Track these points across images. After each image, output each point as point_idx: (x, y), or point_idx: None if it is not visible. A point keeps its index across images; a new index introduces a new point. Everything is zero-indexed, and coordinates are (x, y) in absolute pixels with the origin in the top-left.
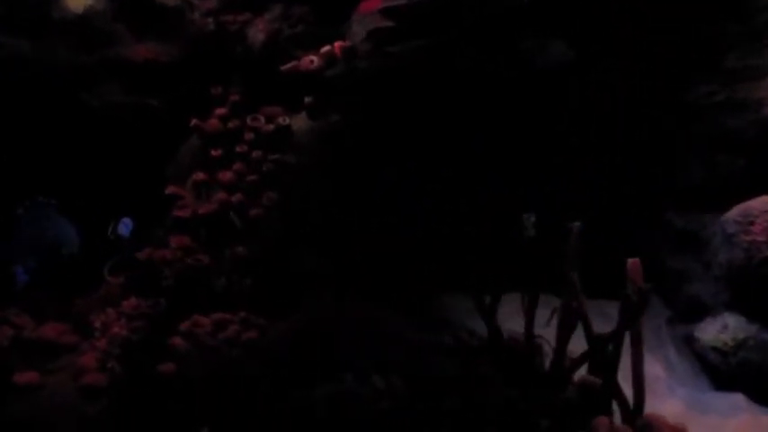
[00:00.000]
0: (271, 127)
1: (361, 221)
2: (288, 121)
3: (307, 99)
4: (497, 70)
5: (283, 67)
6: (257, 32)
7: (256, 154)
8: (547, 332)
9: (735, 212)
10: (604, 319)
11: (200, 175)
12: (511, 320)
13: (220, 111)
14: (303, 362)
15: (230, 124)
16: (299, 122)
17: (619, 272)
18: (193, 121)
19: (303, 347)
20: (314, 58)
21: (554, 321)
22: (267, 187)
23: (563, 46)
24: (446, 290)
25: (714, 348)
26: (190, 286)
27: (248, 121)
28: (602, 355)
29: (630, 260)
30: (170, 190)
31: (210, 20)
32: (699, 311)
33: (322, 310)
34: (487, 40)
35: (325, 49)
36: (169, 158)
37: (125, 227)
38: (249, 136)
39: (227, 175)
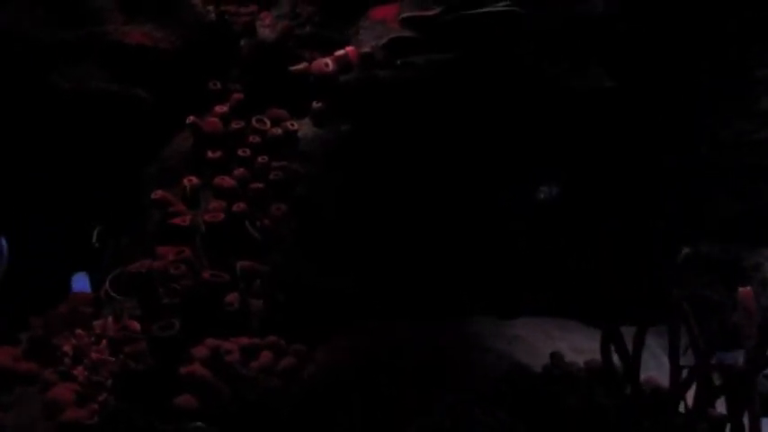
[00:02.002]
0: (279, 131)
1: (377, 239)
2: (296, 126)
3: (315, 104)
4: (529, 90)
5: (293, 68)
6: (264, 28)
7: (262, 159)
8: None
9: None
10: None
11: (192, 180)
12: (546, 344)
13: (221, 109)
14: (373, 393)
15: (233, 125)
16: (304, 129)
17: (643, 299)
18: (191, 118)
19: (368, 377)
20: (328, 61)
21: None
22: (275, 197)
23: (601, 71)
24: (462, 311)
25: (766, 376)
26: (201, 306)
27: (254, 122)
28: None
29: (742, 290)
30: (158, 195)
31: (212, 8)
32: (729, 339)
33: (374, 334)
34: (520, 58)
35: (340, 53)
36: (148, 159)
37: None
38: (254, 139)
39: (227, 181)
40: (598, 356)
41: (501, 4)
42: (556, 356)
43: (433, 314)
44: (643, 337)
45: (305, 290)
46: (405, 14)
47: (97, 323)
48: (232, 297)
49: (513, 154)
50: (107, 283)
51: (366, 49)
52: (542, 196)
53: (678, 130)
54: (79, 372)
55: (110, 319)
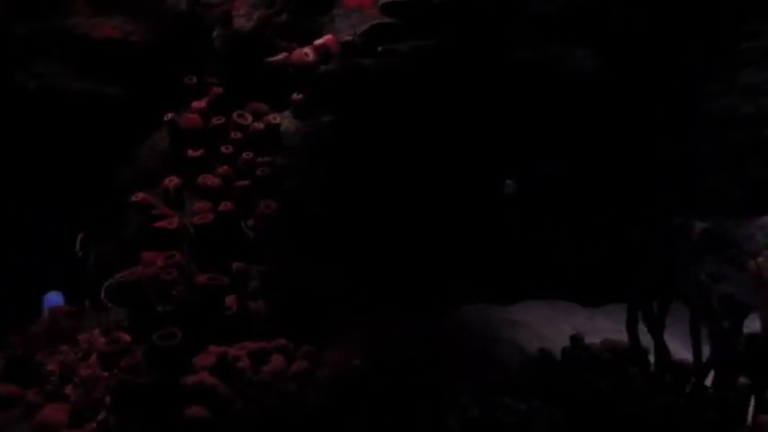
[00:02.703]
0: (261, 126)
1: (368, 232)
2: (278, 119)
3: (295, 96)
4: (517, 75)
5: (272, 59)
6: (239, 18)
7: (247, 156)
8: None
9: None
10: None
11: (173, 180)
12: (550, 327)
13: (199, 104)
14: (396, 391)
15: (214, 120)
16: (285, 122)
17: (634, 276)
18: (169, 115)
19: (383, 376)
20: (308, 50)
21: None
22: (262, 194)
23: (587, 54)
24: (459, 300)
25: None
26: (199, 312)
27: (235, 117)
28: None
29: (753, 261)
30: (139, 197)
31: None
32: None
33: (381, 331)
34: (507, 43)
35: (319, 42)
36: (123, 160)
37: None
38: (236, 135)
39: (212, 180)
40: (601, 336)
41: None
42: (576, 339)
43: (430, 305)
44: (664, 317)
45: (304, 288)
46: (385, 0)
47: (82, 337)
48: (230, 300)
49: (504, 143)
50: (103, 293)
51: (347, 37)
52: (508, 191)
53: (671, 115)
54: (70, 391)
55: (96, 332)
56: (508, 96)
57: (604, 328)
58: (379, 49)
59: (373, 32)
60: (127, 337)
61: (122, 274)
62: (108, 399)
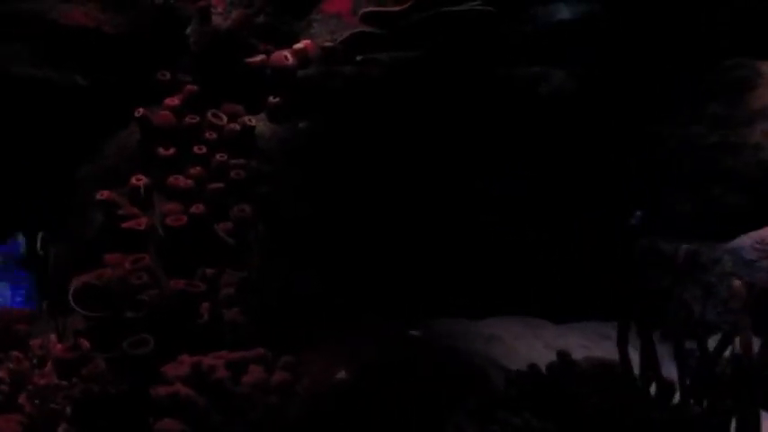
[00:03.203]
0: (236, 127)
1: (342, 241)
2: (254, 122)
3: (271, 99)
4: (497, 93)
5: (250, 60)
6: (216, 15)
7: (221, 157)
8: None
9: (748, 241)
10: (611, 342)
11: (142, 179)
12: (522, 342)
13: (172, 101)
14: (382, 404)
15: (188, 119)
16: (259, 125)
17: (603, 294)
18: (140, 111)
19: (373, 387)
20: (287, 54)
21: None
22: (236, 198)
23: (563, 75)
24: (426, 312)
25: None
26: (171, 319)
27: (209, 117)
28: None
29: (736, 282)
30: (104, 195)
31: None
32: (700, 330)
33: (359, 341)
34: (488, 61)
35: (299, 46)
36: (83, 156)
37: None
38: (211, 135)
39: (183, 182)
40: (573, 352)
41: (476, 2)
42: (562, 354)
43: (404, 313)
44: (650, 333)
45: (280, 295)
46: (366, 9)
47: (35, 342)
48: (203, 308)
49: (480, 150)
50: (71, 296)
51: (327, 44)
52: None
53: (641, 139)
54: (24, 400)
55: (52, 337)
56: (486, 111)
57: (575, 344)
58: (359, 58)
59: (354, 40)
60: (87, 344)
61: (88, 275)
62: (69, 410)
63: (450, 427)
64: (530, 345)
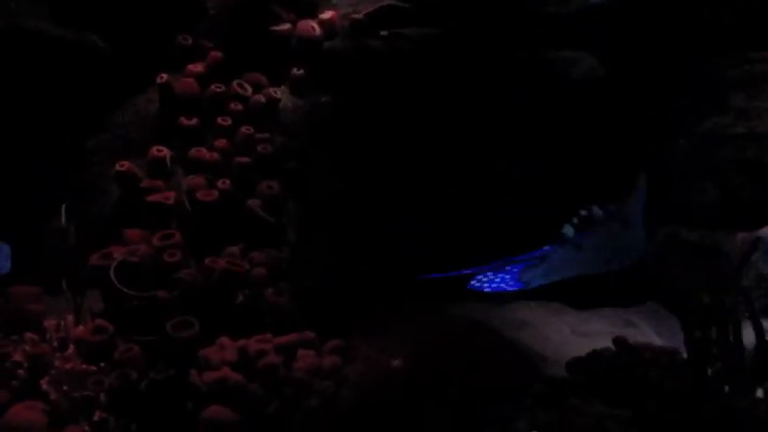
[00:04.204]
0: (261, 99)
1: (368, 221)
2: (278, 94)
3: (295, 71)
4: (524, 75)
5: (277, 28)
6: None
7: (246, 130)
8: None
9: None
10: (635, 329)
11: (163, 150)
12: (551, 328)
13: (196, 68)
14: (447, 395)
15: (213, 88)
16: (282, 98)
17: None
18: (163, 77)
19: (433, 376)
20: (314, 24)
21: None
22: (262, 174)
23: (594, 61)
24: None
25: None
26: (208, 299)
27: (235, 86)
28: None
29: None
30: (125, 167)
31: None
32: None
33: (404, 324)
34: (515, 42)
35: (325, 16)
36: (95, 125)
37: None
38: (236, 106)
39: (209, 154)
40: (600, 338)
41: None
42: (621, 341)
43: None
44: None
45: (320, 277)
46: None
47: (49, 323)
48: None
49: (503, 132)
50: (113, 274)
51: (356, 16)
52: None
53: (665, 128)
54: (48, 387)
55: (69, 318)
56: (511, 93)
57: (601, 330)
58: (383, 32)
59: (380, 14)
60: (109, 326)
61: (119, 251)
62: (103, 397)
63: (524, 415)
64: (558, 330)
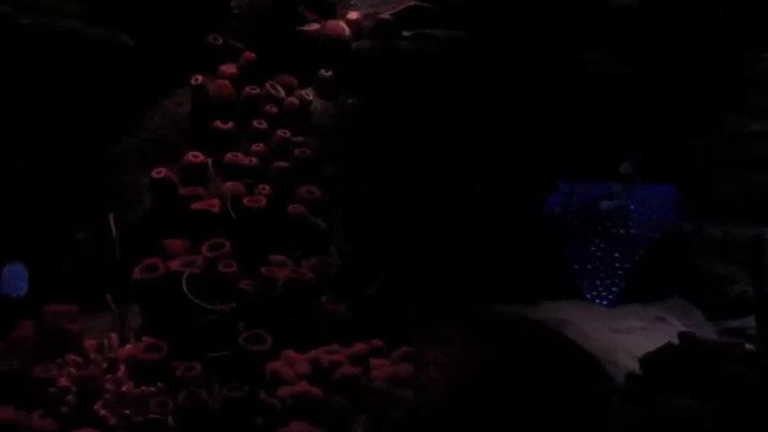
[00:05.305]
0: (295, 101)
1: (396, 222)
2: (310, 96)
3: (323, 72)
4: (549, 75)
5: (306, 28)
6: None
7: (283, 133)
8: None
9: None
10: (664, 323)
11: (199, 156)
12: (589, 326)
13: (229, 69)
14: (530, 397)
15: (247, 89)
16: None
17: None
18: (198, 78)
19: (508, 379)
20: (343, 24)
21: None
22: (300, 179)
23: (616, 61)
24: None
25: None
26: (268, 310)
27: (268, 88)
28: None
29: None
30: (162, 174)
31: None
32: (746, 309)
33: (471, 327)
34: (541, 42)
35: (352, 17)
36: (122, 129)
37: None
38: (271, 109)
39: (246, 159)
40: (635, 334)
41: None
42: (687, 337)
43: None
44: None
45: (377, 285)
46: None
47: (89, 344)
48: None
49: (527, 130)
50: (184, 286)
51: (384, 16)
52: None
53: (679, 119)
54: (105, 411)
55: (112, 336)
56: (533, 89)
57: (635, 326)
58: (406, 33)
59: (406, 14)
60: (163, 344)
61: (176, 263)
62: (171, 419)
63: (619, 411)
64: (596, 328)
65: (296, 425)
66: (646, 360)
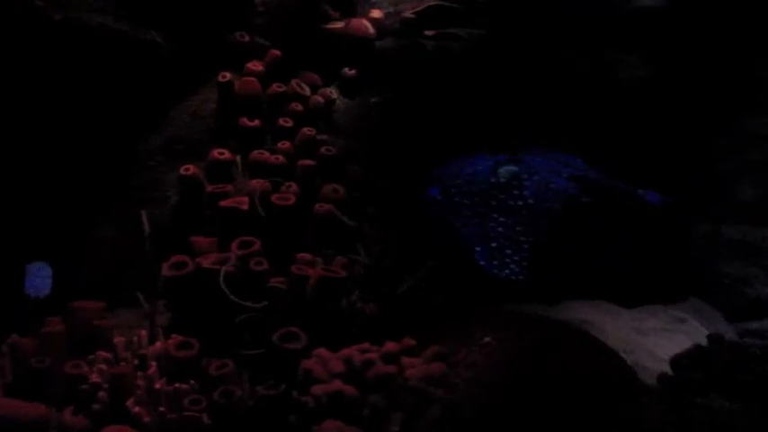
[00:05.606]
0: (320, 99)
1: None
2: (335, 94)
3: (347, 70)
4: (576, 77)
5: (331, 26)
6: None
7: (309, 131)
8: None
9: None
10: (685, 324)
11: (225, 153)
12: (609, 326)
13: (255, 66)
14: (565, 398)
15: (274, 87)
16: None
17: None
18: (225, 76)
19: (542, 380)
20: (367, 22)
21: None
22: (323, 177)
23: (641, 61)
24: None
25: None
26: (308, 309)
27: (294, 86)
28: None
29: None
30: (190, 171)
31: None
32: (765, 310)
33: (497, 328)
34: (569, 42)
35: (375, 15)
36: (148, 126)
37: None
38: (297, 107)
39: (275, 157)
40: (657, 335)
41: None
42: (716, 338)
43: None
44: None
45: (403, 281)
46: None
47: (118, 341)
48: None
49: (551, 130)
50: (222, 284)
51: (408, 14)
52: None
53: (701, 122)
54: (138, 408)
55: (141, 333)
56: (560, 94)
57: (656, 327)
58: (428, 32)
59: (429, 13)
60: (195, 341)
61: (215, 261)
62: (206, 417)
63: (652, 411)
64: (617, 328)
65: (330, 423)
66: (676, 361)
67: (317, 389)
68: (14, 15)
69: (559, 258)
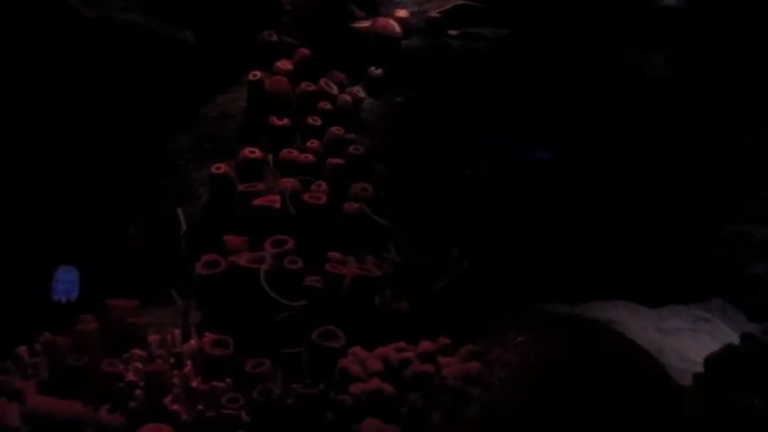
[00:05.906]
0: (348, 98)
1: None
2: (362, 93)
3: (374, 69)
4: (598, 75)
5: (357, 25)
6: None
7: (338, 130)
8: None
9: None
10: (708, 323)
11: (255, 152)
12: (633, 326)
13: (285, 65)
14: (600, 396)
15: (303, 86)
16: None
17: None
18: (256, 74)
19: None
20: (394, 22)
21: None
22: (352, 176)
23: (666, 61)
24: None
25: None
26: (342, 308)
27: (322, 85)
28: None
29: None
30: (222, 170)
31: None
32: None
33: (536, 329)
34: (592, 42)
35: (401, 14)
36: (178, 125)
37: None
38: (325, 105)
39: (304, 156)
40: (685, 335)
41: None
42: (750, 337)
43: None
44: None
45: (437, 281)
46: None
47: (152, 338)
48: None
49: (576, 130)
50: (263, 281)
51: (433, 14)
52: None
53: (726, 123)
54: (176, 406)
55: (175, 332)
56: (583, 89)
57: (680, 327)
58: (452, 32)
59: (454, 12)
60: (229, 339)
61: (251, 260)
62: (244, 415)
63: (689, 410)
64: (643, 328)
65: (370, 422)
66: (710, 361)
67: (355, 387)
68: (50, 14)
69: None
